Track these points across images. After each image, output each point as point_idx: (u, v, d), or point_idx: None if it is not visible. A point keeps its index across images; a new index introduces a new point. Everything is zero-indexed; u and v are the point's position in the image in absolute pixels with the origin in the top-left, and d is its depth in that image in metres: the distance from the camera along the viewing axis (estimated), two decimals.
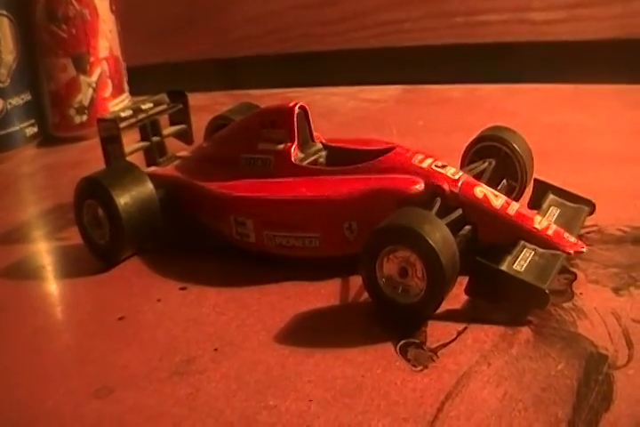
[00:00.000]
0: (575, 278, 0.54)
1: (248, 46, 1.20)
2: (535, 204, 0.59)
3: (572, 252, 0.53)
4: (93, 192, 0.60)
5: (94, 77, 0.98)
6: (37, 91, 0.97)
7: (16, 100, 0.94)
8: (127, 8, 1.05)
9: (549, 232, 0.53)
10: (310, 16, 1.17)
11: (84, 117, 0.98)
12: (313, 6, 1.16)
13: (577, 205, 0.59)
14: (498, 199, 0.54)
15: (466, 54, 1.08)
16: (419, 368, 0.46)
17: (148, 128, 0.69)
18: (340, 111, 0.99)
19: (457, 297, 0.51)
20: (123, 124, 0.66)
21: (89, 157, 0.84)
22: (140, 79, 1.08)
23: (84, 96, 0.97)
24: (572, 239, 0.54)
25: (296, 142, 0.60)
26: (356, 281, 0.54)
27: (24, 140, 0.95)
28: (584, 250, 0.53)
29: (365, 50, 1.15)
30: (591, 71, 0.95)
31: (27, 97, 0.95)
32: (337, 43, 1.16)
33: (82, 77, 0.97)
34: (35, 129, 0.97)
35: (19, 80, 0.94)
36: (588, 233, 0.59)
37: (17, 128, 0.94)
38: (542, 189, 0.60)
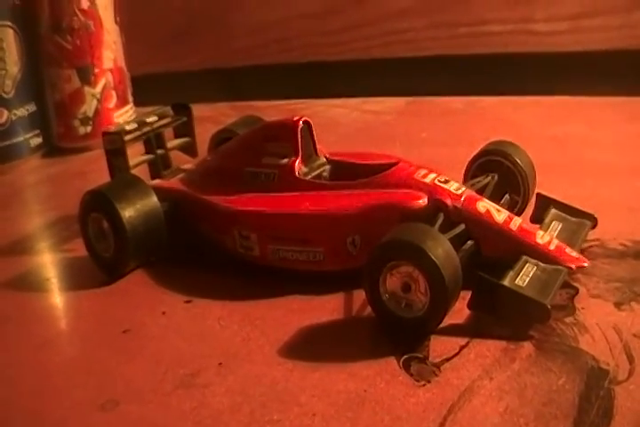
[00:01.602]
0: (577, 293, 0.54)
1: (251, 56, 1.21)
2: (537, 218, 0.60)
3: (573, 266, 0.53)
4: (98, 205, 0.61)
5: (98, 88, 0.98)
6: (42, 102, 0.98)
7: (21, 111, 0.94)
8: (131, 19, 1.06)
9: (551, 247, 0.54)
10: (313, 26, 1.17)
11: (89, 128, 0.98)
12: (316, 16, 1.17)
13: (579, 219, 0.60)
14: (500, 214, 0.55)
15: (468, 65, 1.08)
16: (421, 383, 0.46)
17: (153, 141, 0.69)
18: (342, 123, 1.00)
19: (459, 312, 0.51)
20: (127, 138, 0.66)
21: (93, 168, 0.84)
22: (143, 89, 1.08)
23: (89, 107, 0.98)
24: (574, 254, 0.54)
25: (300, 157, 0.61)
26: (360, 295, 0.54)
27: (28, 150, 0.96)
28: (586, 265, 0.54)
29: (368, 60, 1.15)
30: (594, 83, 0.95)
31: (31, 108, 0.96)
32: (340, 53, 1.16)
33: (86, 88, 0.97)
34: (39, 140, 0.97)
35: (23, 91, 0.94)
36: (590, 247, 0.59)
37: (21, 139, 0.95)
38: (544, 203, 0.61)
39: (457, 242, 0.52)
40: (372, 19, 1.14)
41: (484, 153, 0.64)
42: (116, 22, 1.01)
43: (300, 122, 0.61)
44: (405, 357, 0.49)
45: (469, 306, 0.51)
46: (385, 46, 1.14)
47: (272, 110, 0.96)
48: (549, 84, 0.99)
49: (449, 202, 0.55)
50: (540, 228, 0.56)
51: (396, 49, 1.14)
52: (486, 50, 1.09)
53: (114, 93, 1.01)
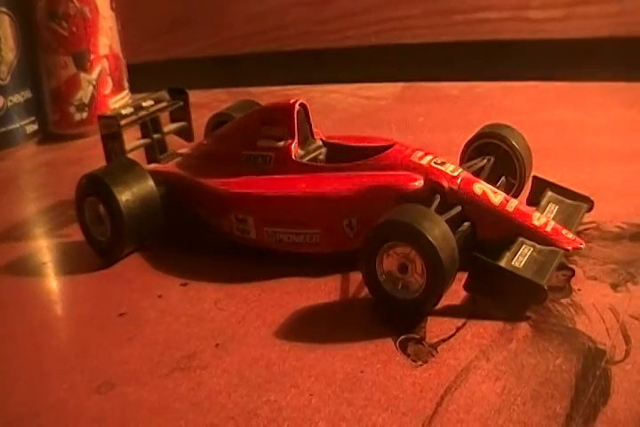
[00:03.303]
0: (573, 275, 0.54)
1: (247, 44, 1.20)
2: (534, 200, 0.60)
3: (570, 248, 0.53)
4: (94, 189, 0.61)
5: (94, 75, 0.98)
6: (38, 88, 0.97)
7: (16, 98, 0.94)
8: (127, 5, 1.05)
9: (548, 229, 0.54)
10: (309, 14, 1.17)
11: (84, 115, 0.98)
12: (312, 4, 1.16)
13: (575, 202, 0.60)
14: (497, 196, 0.55)
15: (464, 52, 1.08)
16: (418, 363, 0.46)
17: (149, 125, 0.69)
18: (338, 108, 1.00)
19: (456, 293, 0.51)
20: (123, 122, 0.66)
21: (89, 154, 0.84)
22: (139, 76, 1.08)
23: (85, 93, 0.98)
24: (571, 236, 0.54)
25: (296, 139, 0.61)
26: (356, 277, 0.54)
27: (24, 137, 0.96)
28: (582, 246, 0.54)
29: (364, 47, 1.15)
30: (589, 69, 0.95)
31: (27, 94, 0.96)
32: (336, 40, 1.16)
33: (82, 75, 0.97)
34: (35, 126, 0.97)
35: (19, 77, 0.94)
36: (587, 230, 0.59)
37: (17, 125, 0.94)
38: (541, 186, 0.61)
39: (453, 223, 0.52)
40: (368, 6, 1.14)
41: (481, 136, 0.64)
42: (112, 8, 1.01)
43: (297, 105, 0.61)
44: (402, 337, 0.49)
45: (466, 287, 0.51)
46: (381, 33, 1.14)
47: (268, 96, 0.96)
48: (544, 70, 0.99)
49: (445, 184, 0.55)
50: (537, 210, 0.56)
51: (392, 36, 1.13)
52: (482, 37, 1.09)
53: (109, 80, 1.00)
